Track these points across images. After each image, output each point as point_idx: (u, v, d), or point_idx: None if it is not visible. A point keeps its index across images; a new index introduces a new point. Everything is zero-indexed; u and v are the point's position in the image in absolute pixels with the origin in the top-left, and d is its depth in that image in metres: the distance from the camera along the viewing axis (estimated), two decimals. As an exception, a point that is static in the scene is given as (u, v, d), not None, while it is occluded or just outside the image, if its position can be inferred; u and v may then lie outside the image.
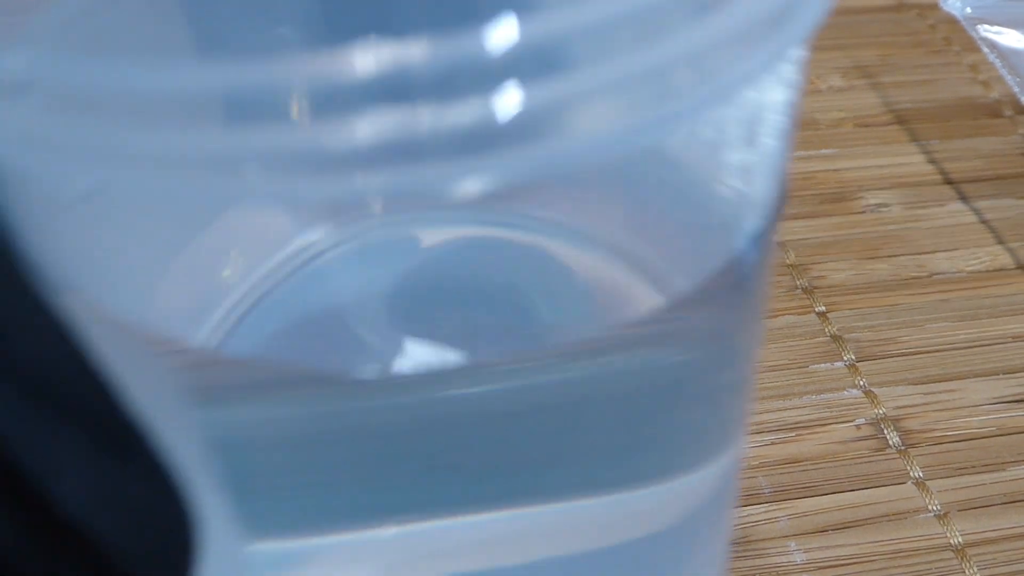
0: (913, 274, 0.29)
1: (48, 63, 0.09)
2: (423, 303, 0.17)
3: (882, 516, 0.23)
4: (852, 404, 0.25)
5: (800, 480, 0.24)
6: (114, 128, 0.09)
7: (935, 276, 0.29)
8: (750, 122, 0.13)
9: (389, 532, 0.14)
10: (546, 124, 0.09)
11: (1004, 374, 0.26)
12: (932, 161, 0.32)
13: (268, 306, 0.16)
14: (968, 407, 0.25)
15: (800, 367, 0.26)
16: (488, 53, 0.09)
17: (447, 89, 0.09)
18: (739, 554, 0.22)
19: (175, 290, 0.15)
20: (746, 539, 0.22)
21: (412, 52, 0.09)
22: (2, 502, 0.10)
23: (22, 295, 0.10)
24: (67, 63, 0.09)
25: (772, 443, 0.24)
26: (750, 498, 0.23)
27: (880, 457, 0.24)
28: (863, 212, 0.30)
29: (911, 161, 0.32)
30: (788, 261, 0.29)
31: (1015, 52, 0.34)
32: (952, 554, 0.22)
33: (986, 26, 0.35)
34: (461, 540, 0.14)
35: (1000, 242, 0.30)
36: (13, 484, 0.10)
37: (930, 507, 0.23)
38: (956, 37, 0.37)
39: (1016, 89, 0.32)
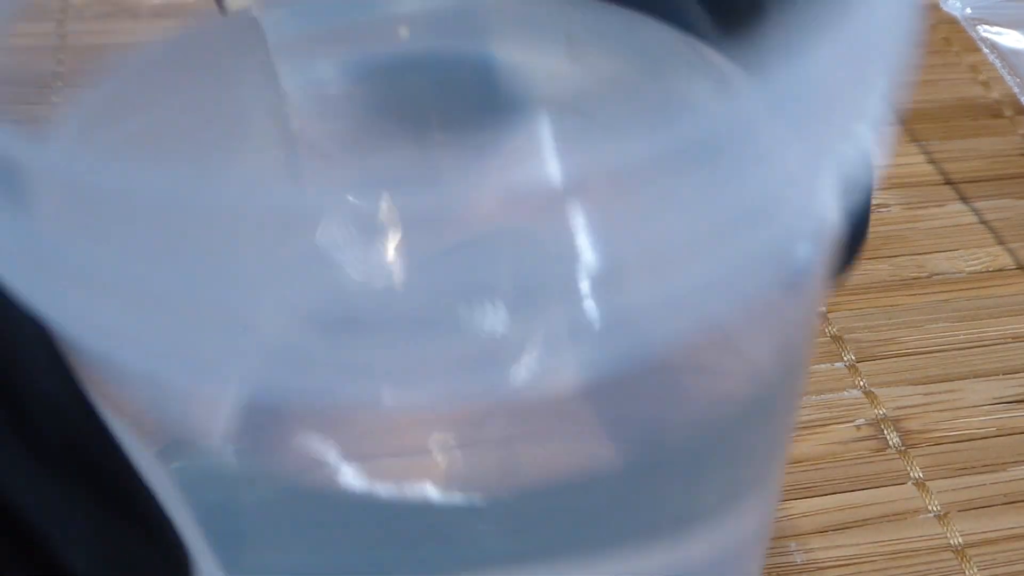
0: (913, 274, 0.29)
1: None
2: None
3: (882, 517, 0.23)
4: (852, 404, 0.25)
5: (800, 480, 0.24)
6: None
7: (935, 276, 0.29)
8: None
9: None
10: None
11: (1004, 374, 0.26)
12: (932, 161, 0.32)
13: None
14: (968, 407, 0.25)
15: (800, 367, 0.26)
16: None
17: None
18: (739, 554, 0.22)
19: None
20: (746, 539, 0.22)
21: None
22: (12, 559, 0.10)
23: (37, 355, 0.10)
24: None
25: (772, 443, 0.24)
26: (750, 498, 0.23)
27: (880, 457, 0.24)
28: (863, 212, 0.30)
29: (911, 161, 0.32)
30: (788, 261, 0.29)
31: (1015, 52, 0.34)
32: (952, 554, 0.22)
33: (986, 26, 0.35)
34: None
35: (1000, 242, 0.30)
36: (21, 542, 0.10)
37: (930, 507, 0.23)
38: (956, 37, 0.37)
39: (1016, 89, 0.32)
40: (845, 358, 0.26)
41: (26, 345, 0.10)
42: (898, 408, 0.25)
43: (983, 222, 0.30)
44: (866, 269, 0.29)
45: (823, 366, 0.26)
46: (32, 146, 0.09)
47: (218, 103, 0.16)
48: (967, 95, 0.35)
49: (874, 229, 0.30)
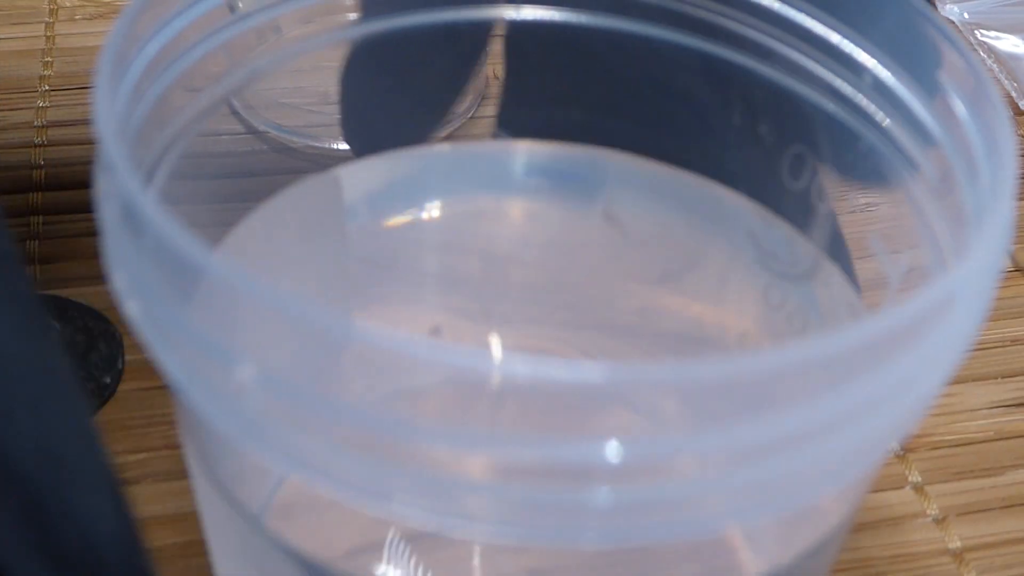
0: (911, 278, 0.28)
1: None
2: None
3: (880, 521, 0.23)
4: (850, 409, 0.25)
5: (798, 485, 0.23)
6: None
7: (933, 280, 0.28)
8: None
9: None
10: None
11: (1003, 378, 0.26)
12: (930, 166, 0.32)
13: None
14: (967, 411, 0.25)
15: (798, 372, 0.26)
16: None
17: None
18: (736, 559, 0.22)
19: None
20: (743, 544, 0.22)
21: None
22: None
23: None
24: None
25: (769, 448, 0.24)
26: (747, 503, 0.23)
27: (878, 462, 0.24)
28: (861, 217, 0.30)
29: (909, 166, 0.32)
30: (786, 266, 0.29)
31: (1012, 57, 0.34)
32: (950, 558, 0.22)
33: (983, 31, 0.35)
34: None
35: (998, 246, 0.29)
36: None
37: (928, 512, 0.23)
38: (954, 42, 0.37)
39: (1014, 94, 0.32)
40: (843, 362, 0.26)
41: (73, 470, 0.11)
42: (896, 412, 0.25)
43: (981, 226, 0.30)
44: (864, 273, 0.29)
45: (821, 370, 0.26)
46: (218, 257, 0.11)
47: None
48: (965, 100, 0.35)
49: (872, 233, 0.30)
